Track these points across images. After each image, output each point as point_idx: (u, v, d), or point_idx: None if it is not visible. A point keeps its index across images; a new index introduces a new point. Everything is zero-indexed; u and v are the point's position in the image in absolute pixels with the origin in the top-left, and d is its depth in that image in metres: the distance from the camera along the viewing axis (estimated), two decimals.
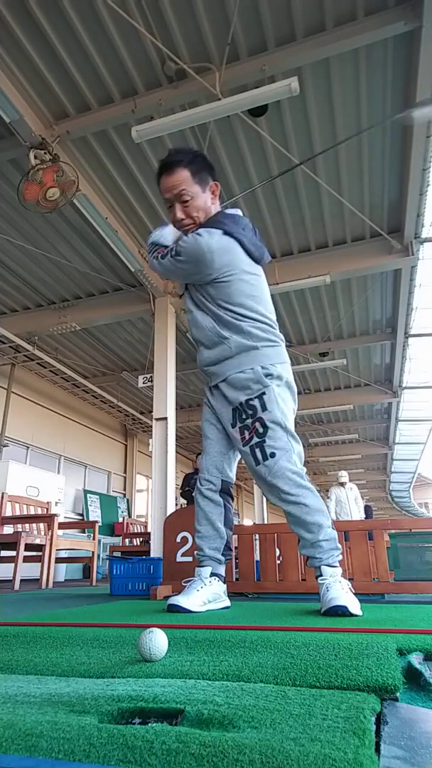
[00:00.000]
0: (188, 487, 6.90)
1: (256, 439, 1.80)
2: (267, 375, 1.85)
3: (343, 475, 9.17)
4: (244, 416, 1.86)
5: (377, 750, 0.57)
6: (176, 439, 5.61)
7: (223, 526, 1.95)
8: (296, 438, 1.83)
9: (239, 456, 2.02)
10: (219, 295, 1.88)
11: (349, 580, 2.60)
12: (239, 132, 4.25)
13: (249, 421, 1.84)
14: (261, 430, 1.80)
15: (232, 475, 2.03)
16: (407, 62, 3.66)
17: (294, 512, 1.76)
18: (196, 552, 1.97)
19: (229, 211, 2.00)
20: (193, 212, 1.91)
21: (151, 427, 5.87)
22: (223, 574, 1.96)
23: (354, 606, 1.60)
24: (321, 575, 1.75)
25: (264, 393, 1.83)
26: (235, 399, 1.87)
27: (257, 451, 1.80)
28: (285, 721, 0.57)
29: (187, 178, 1.87)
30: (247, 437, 1.84)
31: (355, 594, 1.73)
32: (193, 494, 2.06)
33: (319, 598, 1.71)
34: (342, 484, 9.05)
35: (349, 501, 8.90)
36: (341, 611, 1.57)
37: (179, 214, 1.91)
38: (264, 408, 1.82)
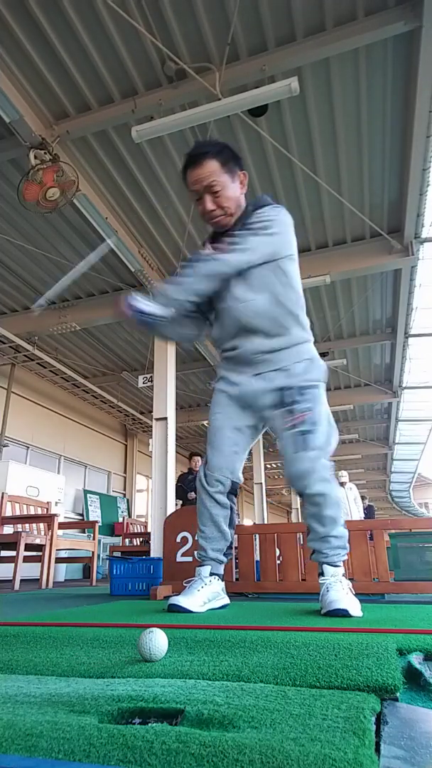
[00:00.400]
0: (181, 484, 6.89)
1: (302, 428, 1.78)
2: (323, 371, 1.88)
3: (343, 475, 9.18)
4: (292, 400, 1.80)
5: (377, 750, 0.57)
6: (176, 439, 5.61)
7: (227, 527, 1.92)
8: (335, 431, 1.86)
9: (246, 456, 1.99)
10: (284, 278, 1.84)
11: (350, 580, 2.60)
12: (239, 132, 4.25)
13: (299, 406, 1.79)
14: (310, 421, 1.79)
15: (241, 475, 1.97)
16: (407, 62, 3.66)
17: (317, 502, 1.75)
18: (197, 552, 1.94)
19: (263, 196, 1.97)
20: (224, 202, 1.85)
21: (151, 427, 5.87)
22: (222, 573, 1.95)
23: (355, 608, 1.60)
24: (322, 574, 1.75)
25: (317, 387, 1.85)
26: (287, 383, 1.82)
27: (300, 439, 1.77)
28: (285, 721, 0.57)
29: (216, 168, 1.82)
30: (292, 422, 1.79)
31: (355, 594, 1.73)
32: (195, 493, 2.01)
33: (319, 598, 1.71)
34: (342, 484, 9.07)
35: (349, 501, 8.94)
36: (341, 614, 1.56)
37: (210, 205, 1.85)
38: (316, 401, 1.83)
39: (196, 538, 1.99)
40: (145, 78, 3.80)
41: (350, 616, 1.55)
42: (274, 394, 1.83)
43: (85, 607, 2.21)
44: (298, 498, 1.84)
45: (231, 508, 1.95)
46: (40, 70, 3.73)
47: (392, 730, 0.64)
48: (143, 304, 1.75)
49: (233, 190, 1.86)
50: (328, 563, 1.75)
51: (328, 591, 1.67)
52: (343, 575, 1.77)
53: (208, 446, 1.95)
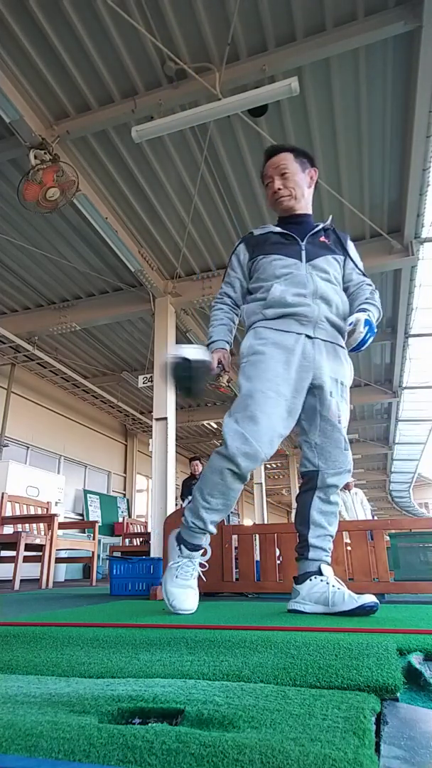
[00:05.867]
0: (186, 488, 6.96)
1: (342, 425, 1.87)
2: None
3: (349, 480, 9.27)
4: (341, 396, 1.88)
5: (377, 750, 0.57)
6: (176, 439, 5.61)
7: (233, 502, 1.79)
8: None
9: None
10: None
11: (350, 580, 2.61)
12: (239, 132, 4.25)
13: (343, 405, 1.88)
14: (344, 423, 1.88)
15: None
16: (407, 62, 3.66)
17: (336, 501, 1.86)
18: (191, 521, 1.74)
19: None
20: (290, 184, 2.00)
21: (151, 427, 5.87)
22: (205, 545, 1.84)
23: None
24: (320, 573, 1.76)
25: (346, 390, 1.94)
26: (339, 373, 1.89)
27: (344, 436, 1.87)
28: (285, 721, 0.57)
29: (289, 157, 2.02)
30: (340, 416, 1.86)
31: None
32: (215, 463, 1.74)
33: (328, 598, 1.69)
34: (347, 488, 9.22)
35: (355, 505, 9.07)
36: (376, 608, 1.62)
37: (277, 184, 2.00)
38: (347, 403, 1.92)
39: (190, 507, 1.77)
40: (145, 78, 3.80)
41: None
42: (329, 379, 1.85)
43: (85, 607, 2.21)
44: (312, 495, 1.84)
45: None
46: (40, 70, 3.73)
47: (392, 730, 0.64)
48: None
49: (301, 178, 2.03)
50: (326, 564, 1.79)
51: (339, 588, 1.70)
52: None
53: (261, 412, 1.71)
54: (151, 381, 6.31)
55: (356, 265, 2.04)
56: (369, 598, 1.62)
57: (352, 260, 2.03)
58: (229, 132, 4.25)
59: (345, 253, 2.03)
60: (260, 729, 0.55)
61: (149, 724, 0.59)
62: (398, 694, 0.75)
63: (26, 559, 4.23)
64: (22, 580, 4.21)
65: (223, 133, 4.26)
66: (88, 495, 10.17)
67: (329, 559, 1.83)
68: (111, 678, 0.84)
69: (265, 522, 9.76)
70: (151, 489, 5.50)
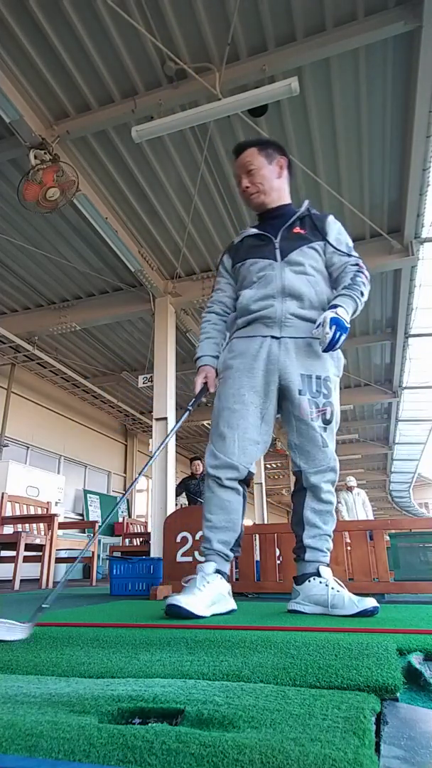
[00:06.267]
0: (184, 490, 6.98)
1: (321, 423, 1.79)
2: (342, 364, 1.88)
3: (351, 480, 9.45)
4: (316, 391, 1.80)
5: (377, 750, 0.57)
6: (176, 439, 5.60)
7: (239, 517, 1.78)
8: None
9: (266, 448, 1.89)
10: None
11: (350, 580, 2.61)
12: (239, 132, 4.24)
13: (321, 400, 1.79)
14: (329, 417, 1.81)
15: (255, 467, 1.86)
16: (407, 62, 3.66)
17: (328, 500, 1.80)
18: (201, 545, 1.78)
19: None
20: (257, 180, 1.99)
21: (151, 427, 5.87)
22: (227, 571, 1.76)
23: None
24: (318, 575, 1.73)
25: (335, 382, 1.86)
26: (312, 368, 1.81)
27: (323, 433, 1.79)
28: (285, 721, 0.57)
29: (253, 153, 2.00)
30: (315, 414, 1.79)
31: (356, 594, 1.74)
32: (205, 483, 1.83)
33: (327, 600, 1.67)
34: (350, 489, 9.33)
35: (357, 505, 9.15)
36: (377, 612, 1.61)
37: (244, 182, 2.01)
38: (334, 396, 1.84)
39: (202, 530, 1.81)
40: (145, 78, 3.80)
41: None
42: (298, 376, 1.80)
43: (85, 607, 2.21)
44: (303, 494, 1.81)
45: (244, 496, 1.83)
46: (40, 70, 3.73)
47: (392, 730, 0.64)
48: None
49: (269, 171, 2.00)
50: (324, 565, 1.77)
51: (339, 591, 1.68)
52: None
53: (226, 427, 1.80)
54: (151, 381, 6.30)
55: (336, 248, 1.94)
56: (370, 603, 1.60)
57: (330, 244, 1.94)
58: (229, 132, 4.25)
59: (323, 237, 1.95)
60: (260, 729, 0.55)
61: (149, 724, 0.59)
62: (398, 694, 0.75)
63: (26, 559, 4.23)
64: (22, 580, 4.21)
65: (223, 133, 4.26)
66: (88, 495, 10.17)
67: (327, 559, 1.79)
68: (111, 678, 0.84)
69: (265, 522, 9.76)
70: (151, 489, 5.50)
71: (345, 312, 1.77)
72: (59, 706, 0.64)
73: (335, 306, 1.79)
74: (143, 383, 6.96)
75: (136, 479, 1.97)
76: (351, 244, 2.00)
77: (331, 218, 2.01)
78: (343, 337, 1.73)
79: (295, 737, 0.52)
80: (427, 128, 3.98)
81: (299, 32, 3.48)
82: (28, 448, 8.92)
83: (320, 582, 1.71)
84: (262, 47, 3.58)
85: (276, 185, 2.02)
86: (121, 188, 4.86)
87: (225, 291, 2.09)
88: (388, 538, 3.20)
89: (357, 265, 1.92)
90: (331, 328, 1.71)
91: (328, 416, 1.80)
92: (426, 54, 3.40)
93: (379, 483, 18.57)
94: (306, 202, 2.06)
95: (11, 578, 4.10)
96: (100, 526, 2.16)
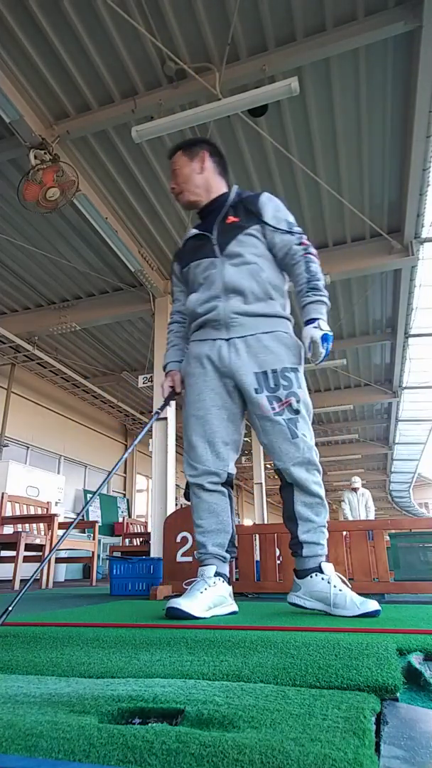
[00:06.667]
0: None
1: (288, 415, 1.72)
2: (301, 352, 1.81)
3: (356, 481, 9.59)
4: (274, 385, 1.73)
5: (377, 750, 0.57)
6: (176, 439, 5.61)
7: (229, 518, 1.79)
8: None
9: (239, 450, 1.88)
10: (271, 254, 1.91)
11: (350, 580, 2.60)
12: (239, 132, 4.25)
13: (282, 392, 1.73)
14: (295, 407, 1.73)
15: (234, 467, 1.85)
16: (407, 62, 3.66)
17: (314, 492, 1.73)
18: (197, 552, 1.79)
19: None
20: (180, 180, 1.99)
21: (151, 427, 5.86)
22: (228, 573, 1.77)
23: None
24: (321, 572, 1.70)
25: (298, 369, 1.79)
26: (266, 363, 1.75)
27: (291, 425, 1.72)
28: (285, 721, 0.57)
29: (179, 155, 2.02)
30: (277, 408, 1.72)
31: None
32: (190, 491, 1.86)
33: (329, 598, 1.65)
34: (354, 490, 9.45)
35: (360, 506, 9.26)
36: (378, 615, 1.58)
37: (171, 185, 2.05)
38: (299, 385, 1.77)
39: (194, 536, 1.83)
40: (145, 78, 3.80)
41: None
42: (251, 376, 1.76)
43: (85, 607, 2.21)
44: (291, 490, 1.75)
45: (230, 497, 1.83)
46: (40, 70, 3.73)
47: (392, 730, 0.64)
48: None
49: (189, 168, 1.99)
50: (325, 562, 1.72)
51: (342, 591, 1.65)
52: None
53: (194, 435, 1.82)
54: (151, 381, 6.31)
55: (275, 227, 1.87)
56: (372, 606, 1.58)
57: (267, 224, 1.87)
58: (229, 132, 4.25)
59: (259, 219, 1.87)
60: (260, 729, 0.55)
61: (149, 724, 0.59)
62: (398, 694, 0.75)
63: (26, 559, 4.23)
64: (22, 580, 4.21)
65: (223, 133, 4.26)
66: (88, 495, 10.17)
67: (326, 551, 1.74)
68: (111, 678, 0.84)
69: (265, 522, 9.76)
70: (151, 489, 5.50)
71: (324, 321, 1.75)
72: (59, 706, 0.64)
73: (314, 320, 1.74)
74: (143, 383, 6.96)
75: (110, 473, 1.99)
76: (291, 219, 1.91)
77: (264, 196, 1.94)
78: (331, 344, 1.74)
79: (295, 737, 0.52)
80: (427, 128, 3.98)
81: (299, 32, 3.48)
82: (28, 448, 8.92)
83: (323, 579, 1.68)
84: (262, 47, 3.58)
85: (200, 181, 1.98)
86: (121, 188, 4.86)
87: (180, 300, 2.08)
88: (388, 538, 3.20)
89: (301, 244, 1.85)
90: (323, 346, 1.71)
91: (294, 406, 1.73)
92: (426, 54, 3.40)
93: (379, 483, 18.56)
94: (235, 187, 2.02)
95: (11, 578, 4.10)
96: (84, 504, 2.16)
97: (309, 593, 1.71)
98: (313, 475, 1.73)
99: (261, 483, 10.25)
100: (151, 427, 2.03)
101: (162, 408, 2.02)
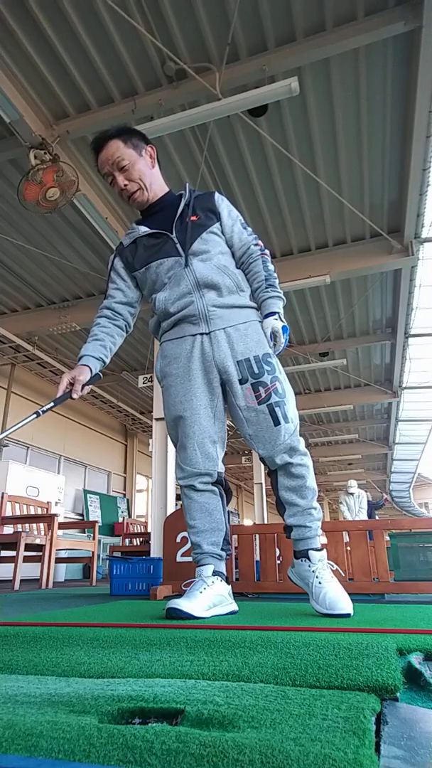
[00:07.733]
0: None
1: (275, 398, 1.71)
2: (274, 337, 1.81)
3: (352, 486, 9.69)
4: (258, 371, 1.73)
5: (377, 750, 0.57)
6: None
7: (221, 516, 1.78)
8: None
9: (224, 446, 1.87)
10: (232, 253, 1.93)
11: (350, 580, 2.60)
12: (239, 132, 4.25)
13: (267, 377, 1.73)
14: (280, 390, 1.74)
15: (222, 465, 1.84)
16: (407, 62, 3.66)
17: (300, 474, 1.72)
18: (192, 552, 1.77)
19: None
20: (135, 176, 1.90)
21: (151, 427, 5.86)
22: (225, 572, 1.76)
23: (349, 604, 1.59)
24: (308, 559, 1.69)
25: (273, 355, 1.81)
26: (248, 350, 1.76)
27: (277, 410, 1.71)
28: (285, 721, 0.57)
29: (119, 146, 1.88)
30: (263, 395, 1.71)
31: (356, 594, 1.73)
32: (181, 492, 1.85)
33: (311, 591, 1.66)
34: (351, 494, 9.60)
35: (356, 507, 9.46)
36: (345, 617, 1.54)
37: (121, 181, 1.89)
38: (279, 370, 1.79)
39: (188, 536, 1.81)
40: (145, 78, 3.80)
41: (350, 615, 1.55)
42: (233, 366, 1.76)
43: (85, 607, 2.21)
44: (275, 475, 1.76)
45: (221, 495, 1.82)
46: (40, 70, 3.73)
47: (392, 730, 0.64)
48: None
49: (143, 163, 1.91)
50: (313, 548, 1.71)
51: (321, 584, 1.63)
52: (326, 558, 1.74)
53: (183, 437, 1.80)
54: (151, 381, 6.30)
55: (233, 226, 1.90)
56: (341, 608, 1.56)
57: (226, 223, 1.90)
58: (229, 132, 4.25)
59: (218, 218, 1.90)
60: (260, 729, 0.55)
61: (149, 724, 0.59)
62: (398, 694, 0.75)
63: (26, 559, 4.23)
64: (22, 580, 4.21)
65: (223, 133, 4.26)
66: (88, 495, 10.17)
67: (317, 533, 1.72)
68: (111, 678, 0.84)
69: (265, 522, 9.76)
70: (151, 489, 5.50)
71: (282, 315, 1.81)
72: (59, 706, 0.64)
73: (274, 313, 1.79)
74: (143, 383, 6.96)
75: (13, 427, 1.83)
76: (240, 216, 1.97)
77: (217, 196, 1.96)
78: (288, 337, 1.81)
79: (295, 737, 0.52)
80: (427, 128, 3.98)
81: (299, 32, 3.48)
82: (28, 448, 8.93)
83: (309, 566, 1.69)
84: (261, 47, 3.58)
85: (153, 178, 1.95)
86: None
87: (115, 297, 2.04)
88: (388, 538, 3.19)
89: (257, 244, 1.90)
90: (284, 336, 1.77)
91: (279, 390, 1.74)
92: (426, 54, 3.40)
93: (379, 483, 18.57)
94: (186, 185, 2.00)
95: (11, 578, 4.10)
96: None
97: (298, 575, 1.76)
98: (295, 458, 1.72)
99: (261, 483, 10.25)
100: (29, 423, 1.92)
101: (49, 408, 1.86)
